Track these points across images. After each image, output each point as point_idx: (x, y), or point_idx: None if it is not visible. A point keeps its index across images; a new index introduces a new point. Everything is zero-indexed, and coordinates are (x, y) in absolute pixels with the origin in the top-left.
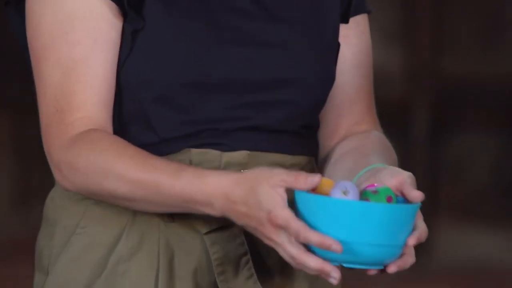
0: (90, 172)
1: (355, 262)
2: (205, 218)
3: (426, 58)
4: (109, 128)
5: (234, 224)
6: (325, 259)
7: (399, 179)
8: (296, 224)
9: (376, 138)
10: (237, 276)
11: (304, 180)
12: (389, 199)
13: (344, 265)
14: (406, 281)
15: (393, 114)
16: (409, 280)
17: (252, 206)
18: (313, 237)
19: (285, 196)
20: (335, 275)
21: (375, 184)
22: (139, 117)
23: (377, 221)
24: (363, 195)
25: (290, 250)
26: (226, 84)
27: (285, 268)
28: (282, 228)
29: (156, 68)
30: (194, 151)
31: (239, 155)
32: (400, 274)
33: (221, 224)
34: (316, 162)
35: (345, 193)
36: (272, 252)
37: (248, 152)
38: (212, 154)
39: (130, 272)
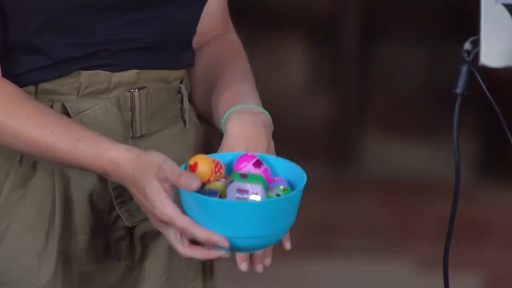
0: None
1: (242, 250)
2: None
3: None
4: None
5: (127, 144)
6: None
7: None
8: (181, 221)
9: (232, 52)
10: (132, 198)
11: (184, 183)
12: (254, 195)
13: (237, 252)
14: (332, 194)
15: (320, 23)
16: (335, 193)
17: (140, 193)
18: (200, 234)
19: (171, 191)
20: (224, 256)
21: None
22: (27, 43)
23: (256, 216)
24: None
25: (175, 245)
26: (111, 5)
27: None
28: (168, 224)
29: None
30: (84, 73)
31: (129, 74)
32: (326, 187)
33: None
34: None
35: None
36: None
37: (137, 71)
38: (102, 75)
39: (26, 198)
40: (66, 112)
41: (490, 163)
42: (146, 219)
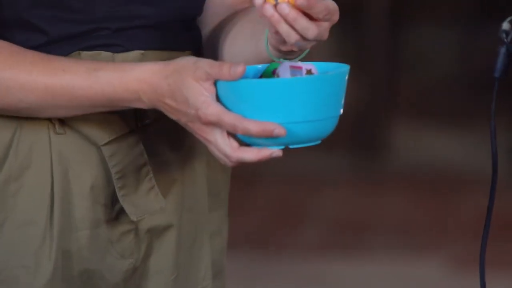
0: None
1: (295, 141)
2: (100, 128)
3: None
4: None
5: (132, 131)
6: (263, 145)
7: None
8: (229, 116)
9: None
10: (138, 189)
11: (228, 71)
12: (308, 72)
13: (280, 147)
14: (358, 187)
15: (348, 5)
16: (361, 186)
17: (180, 102)
18: (252, 126)
19: (212, 89)
20: (276, 154)
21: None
22: (19, 18)
23: (314, 94)
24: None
25: (223, 148)
26: None
27: (187, 174)
28: (214, 124)
29: None
30: (84, 53)
31: (132, 55)
32: (351, 180)
33: (118, 133)
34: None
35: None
36: (174, 160)
37: (142, 52)
38: (103, 56)
39: (22, 191)
40: None
41: None
42: (153, 213)
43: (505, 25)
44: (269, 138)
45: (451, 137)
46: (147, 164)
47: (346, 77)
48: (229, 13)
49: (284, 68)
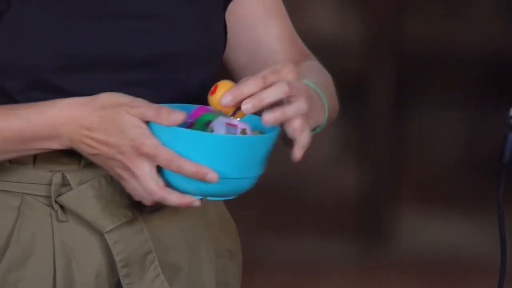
0: None
1: (215, 194)
2: (104, 214)
3: (387, 24)
4: None
5: (136, 218)
6: (182, 192)
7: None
8: (167, 151)
9: (309, 62)
10: (143, 277)
11: (167, 116)
12: (242, 132)
13: (199, 197)
14: (362, 275)
15: (349, 87)
16: (365, 274)
17: (112, 134)
18: (188, 165)
19: (147, 127)
20: (196, 203)
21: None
22: (15, 103)
23: (244, 153)
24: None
25: (150, 184)
26: (104, 62)
27: (193, 262)
28: (148, 157)
29: (24, 50)
30: None
31: None
32: (355, 267)
33: (122, 220)
34: None
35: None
36: (180, 247)
37: None
38: None
39: (24, 280)
40: (68, 183)
41: None
42: None
43: None
44: (191, 185)
45: (459, 223)
46: (152, 251)
47: (274, 140)
48: None
49: (220, 124)
